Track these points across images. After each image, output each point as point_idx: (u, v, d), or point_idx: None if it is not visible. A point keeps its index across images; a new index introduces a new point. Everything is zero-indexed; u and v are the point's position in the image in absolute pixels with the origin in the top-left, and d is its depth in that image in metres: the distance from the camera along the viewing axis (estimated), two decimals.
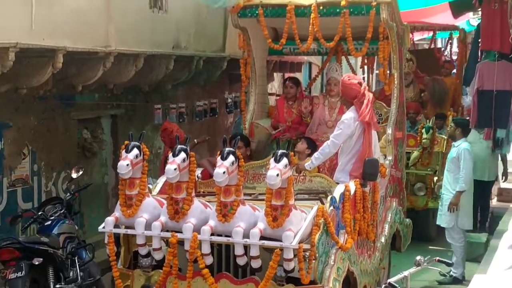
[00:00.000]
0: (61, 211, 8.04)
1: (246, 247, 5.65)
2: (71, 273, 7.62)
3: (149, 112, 10.77)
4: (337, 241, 6.04)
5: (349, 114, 7.03)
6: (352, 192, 6.54)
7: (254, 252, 5.59)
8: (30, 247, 7.11)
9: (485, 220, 11.41)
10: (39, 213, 7.97)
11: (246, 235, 5.58)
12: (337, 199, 6.19)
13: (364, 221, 6.77)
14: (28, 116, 8.63)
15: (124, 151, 5.87)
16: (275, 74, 14.78)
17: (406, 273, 5.88)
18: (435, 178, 11.05)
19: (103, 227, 5.99)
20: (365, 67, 13.94)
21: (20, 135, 8.50)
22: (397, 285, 5.76)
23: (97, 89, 9.76)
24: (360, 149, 6.95)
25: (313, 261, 5.70)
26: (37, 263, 7.04)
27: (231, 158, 5.59)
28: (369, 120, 6.93)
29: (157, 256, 5.94)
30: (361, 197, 6.65)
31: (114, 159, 10.16)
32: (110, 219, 5.95)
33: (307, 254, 5.66)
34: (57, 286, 7.30)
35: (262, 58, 9.03)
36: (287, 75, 13.45)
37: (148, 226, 5.84)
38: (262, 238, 5.59)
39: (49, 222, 7.84)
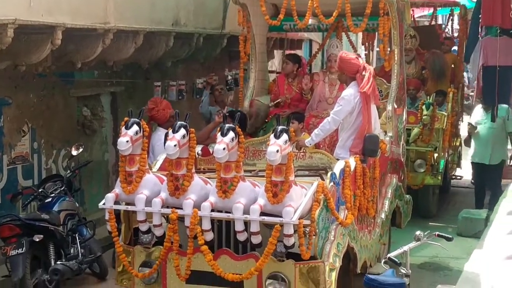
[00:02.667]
0: (62, 188, 8.11)
1: (246, 223, 5.63)
2: (71, 250, 7.69)
3: (149, 89, 10.75)
4: (337, 216, 6.02)
5: (349, 91, 6.99)
6: (352, 168, 6.51)
7: (254, 228, 5.57)
8: (30, 224, 7.14)
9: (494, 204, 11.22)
10: (40, 190, 8.01)
11: (246, 211, 5.55)
12: (337, 175, 6.16)
13: (364, 197, 6.75)
14: (27, 93, 8.63)
15: (123, 127, 5.83)
16: (275, 51, 14.74)
17: (405, 248, 5.90)
18: (435, 155, 11.03)
19: (103, 204, 5.97)
20: (366, 43, 13.86)
21: (20, 112, 8.50)
22: (397, 260, 5.79)
23: (97, 66, 9.76)
24: (361, 125, 6.93)
25: (313, 236, 5.66)
26: (37, 240, 7.08)
27: (231, 134, 5.56)
28: (370, 92, 6.88)
29: (158, 232, 5.92)
30: (361, 173, 6.63)
31: (114, 137, 10.17)
32: (110, 196, 5.92)
33: (307, 229, 5.63)
34: (58, 262, 7.36)
35: (262, 35, 8.98)
36: (287, 52, 13.40)
37: (148, 202, 5.81)
38: (262, 214, 5.56)
39: (49, 199, 7.90)
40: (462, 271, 7.21)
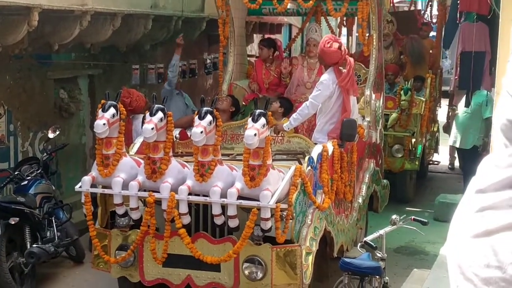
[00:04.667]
0: (38, 171, 8.02)
1: (224, 207, 5.64)
2: (48, 233, 7.62)
3: (127, 73, 10.68)
4: (315, 201, 6.03)
5: (328, 76, 6.98)
6: (330, 152, 6.51)
7: (231, 211, 5.57)
8: (6, 206, 7.08)
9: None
10: (16, 173, 7.93)
11: (223, 195, 5.56)
12: (315, 159, 6.17)
13: (342, 181, 6.78)
14: (3, 75, 8.53)
15: (100, 110, 5.80)
16: (254, 35, 14.68)
17: (381, 232, 5.92)
18: (413, 140, 11.06)
19: (80, 187, 5.94)
20: (345, 29, 13.85)
21: None
22: (373, 244, 5.80)
23: (74, 48, 9.66)
24: (339, 110, 6.94)
25: (290, 220, 5.68)
26: (13, 222, 7.02)
27: (209, 117, 5.55)
28: (349, 87, 6.89)
29: (135, 215, 5.90)
30: (338, 157, 6.65)
31: (92, 120, 10.07)
32: (86, 179, 5.89)
33: (284, 213, 5.65)
34: (34, 245, 7.29)
35: (241, 18, 8.92)
36: (266, 36, 13.35)
37: (125, 185, 5.80)
38: (240, 197, 5.57)
39: (25, 182, 7.82)
40: (438, 255, 7.28)
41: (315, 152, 6.29)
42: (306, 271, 5.79)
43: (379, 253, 5.87)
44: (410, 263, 8.37)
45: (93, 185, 5.95)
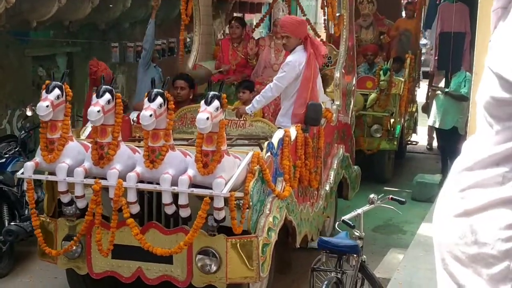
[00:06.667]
0: (16, 149, 7.58)
1: (176, 195, 4.90)
2: (26, 211, 7.12)
3: (106, 50, 10.06)
4: (274, 189, 5.27)
5: (294, 56, 6.17)
6: (293, 137, 5.74)
7: (182, 200, 4.84)
8: None
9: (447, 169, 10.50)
10: None
11: (175, 182, 4.83)
12: (275, 144, 5.41)
13: (306, 168, 5.98)
14: None
15: (44, 91, 5.08)
16: (235, 14, 13.93)
17: (359, 210, 5.36)
18: (392, 120, 10.40)
19: (22, 173, 5.20)
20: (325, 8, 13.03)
21: None
22: (350, 222, 5.24)
23: (53, 26, 9.12)
24: (304, 92, 6.13)
25: (247, 210, 4.96)
26: None
27: (159, 100, 4.81)
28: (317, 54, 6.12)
29: (80, 204, 5.16)
30: (302, 142, 5.86)
31: None
32: (29, 164, 5.14)
33: (241, 202, 4.92)
34: (12, 223, 6.82)
35: None
36: (247, 15, 12.59)
37: (71, 172, 5.05)
38: (193, 185, 4.84)
39: (3, 160, 7.34)
40: (415, 234, 6.86)
41: (276, 137, 5.52)
42: (264, 263, 5.08)
43: (357, 232, 5.32)
44: (387, 242, 7.91)
45: (39, 172, 5.22)
